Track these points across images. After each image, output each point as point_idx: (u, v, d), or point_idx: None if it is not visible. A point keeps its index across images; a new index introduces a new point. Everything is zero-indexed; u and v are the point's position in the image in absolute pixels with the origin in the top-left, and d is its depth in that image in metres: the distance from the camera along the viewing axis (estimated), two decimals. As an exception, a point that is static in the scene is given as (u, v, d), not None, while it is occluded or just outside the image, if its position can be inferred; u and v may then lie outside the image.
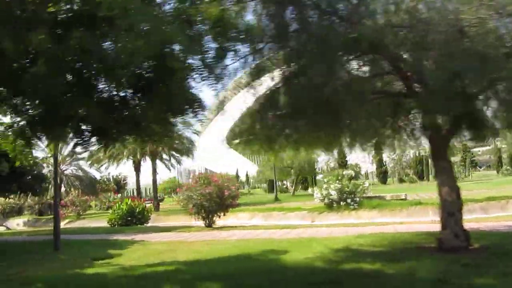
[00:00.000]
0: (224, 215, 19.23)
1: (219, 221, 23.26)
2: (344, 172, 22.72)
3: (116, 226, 22.85)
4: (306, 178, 42.49)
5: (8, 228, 36.18)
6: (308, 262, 8.36)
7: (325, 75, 7.15)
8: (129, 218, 22.79)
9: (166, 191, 59.22)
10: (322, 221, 20.84)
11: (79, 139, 7.46)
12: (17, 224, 37.61)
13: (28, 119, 6.99)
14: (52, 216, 37.82)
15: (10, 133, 8.20)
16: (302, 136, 8.96)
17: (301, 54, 6.79)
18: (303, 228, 17.08)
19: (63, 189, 36.29)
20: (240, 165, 69.10)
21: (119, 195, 47.09)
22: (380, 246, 9.64)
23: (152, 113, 6.77)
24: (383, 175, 44.89)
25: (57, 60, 4.52)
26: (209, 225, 18.97)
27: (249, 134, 8.27)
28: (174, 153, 35.04)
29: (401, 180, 44.95)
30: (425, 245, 9.22)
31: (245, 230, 17.52)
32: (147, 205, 24.97)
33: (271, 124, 7.97)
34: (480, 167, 64.02)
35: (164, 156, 34.95)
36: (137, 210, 22.99)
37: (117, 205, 23.67)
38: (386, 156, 46.97)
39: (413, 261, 7.66)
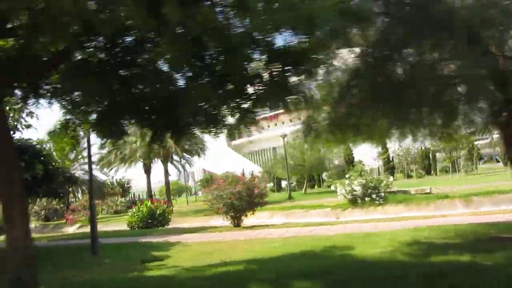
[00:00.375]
0: (252, 213, 18.90)
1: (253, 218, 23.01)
2: (366, 167, 22.46)
3: (136, 228, 22.42)
4: (313, 176, 42.21)
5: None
6: (387, 257, 8.08)
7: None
8: (150, 221, 22.36)
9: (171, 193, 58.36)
10: (348, 218, 20.62)
11: (155, 134, 7.11)
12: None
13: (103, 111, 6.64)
14: (60, 221, 37.32)
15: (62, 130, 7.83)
16: (370, 125, 8.65)
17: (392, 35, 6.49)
18: (341, 224, 16.88)
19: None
20: (239, 165, 68.58)
21: (123, 198, 46.54)
22: (450, 238, 9.38)
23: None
24: (390, 171, 44.78)
25: (184, 37, 4.16)
26: (238, 224, 18.63)
27: (326, 124, 7.93)
28: (184, 154, 34.58)
29: (408, 176, 44.93)
30: (498, 235, 8.98)
31: (279, 228, 17.22)
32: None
33: (349, 113, 7.67)
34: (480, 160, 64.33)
35: (175, 157, 34.48)
36: (158, 212, 22.54)
37: (137, 207, 23.22)
38: (391, 151, 47.02)
39: (502, 251, 7.40)
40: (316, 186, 48.24)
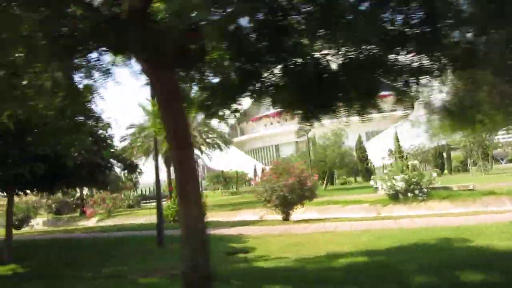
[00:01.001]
0: (302, 207, 18.40)
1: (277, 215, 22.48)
2: (409, 163, 22.12)
3: (172, 222, 21.76)
4: (332, 173, 41.70)
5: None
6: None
7: None
8: (185, 214, 21.67)
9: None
10: (390, 213, 20.24)
11: (309, 114, 6.52)
12: (36, 223, 35.86)
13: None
14: (73, 214, 36.37)
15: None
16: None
17: None
18: (392, 219, 16.51)
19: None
20: (242, 163, 68.01)
21: (135, 192, 45.70)
22: None
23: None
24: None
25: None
26: (286, 218, 18.11)
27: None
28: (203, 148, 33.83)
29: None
30: None
31: (333, 222, 16.79)
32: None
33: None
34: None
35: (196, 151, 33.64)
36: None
37: (172, 200, 22.55)
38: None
39: None
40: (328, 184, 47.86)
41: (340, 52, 5.32)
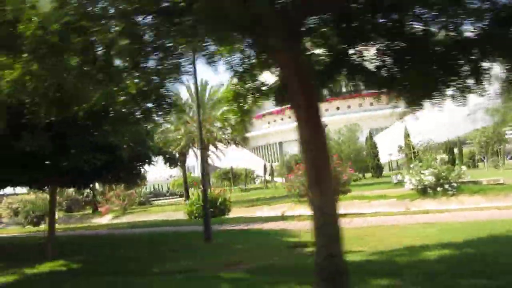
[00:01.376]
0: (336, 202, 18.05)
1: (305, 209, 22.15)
2: (438, 157, 21.87)
3: (196, 218, 21.38)
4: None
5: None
6: None
7: None
8: (211, 209, 21.29)
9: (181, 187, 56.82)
10: (419, 208, 19.98)
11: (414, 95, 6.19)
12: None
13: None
14: (86, 212, 35.83)
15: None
16: None
17: None
18: (427, 214, 16.26)
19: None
20: (246, 160, 67.41)
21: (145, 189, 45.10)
22: None
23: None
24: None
25: None
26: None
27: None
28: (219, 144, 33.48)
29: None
30: None
31: (371, 217, 16.51)
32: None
33: None
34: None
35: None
36: (220, 200, 21.55)
37: (196, 196, 22.22)
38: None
39: None
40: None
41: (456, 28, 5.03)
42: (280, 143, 79.99)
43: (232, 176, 47.71)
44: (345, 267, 4.87)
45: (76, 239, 15.66)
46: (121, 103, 7.29)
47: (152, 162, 13.29)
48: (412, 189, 24.08)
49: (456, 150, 47.81)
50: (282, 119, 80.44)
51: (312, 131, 4.96)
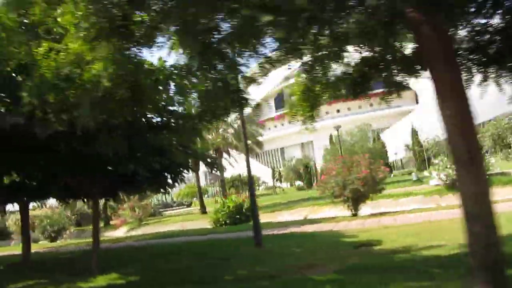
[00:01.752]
0: (371, 201, 17.65)
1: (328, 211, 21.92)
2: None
3: (223, 225, 20.83)
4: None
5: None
6: None
7: None
8: (237, 216, 20.79)
9: (189, 195, 56.03)
10: (450, 203, 19.57)
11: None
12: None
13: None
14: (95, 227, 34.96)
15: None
16: None
17: None
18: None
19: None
20: (243, 166, 66.51)
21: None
22: None
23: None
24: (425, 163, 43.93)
25: None
26: (355, 213, 17.34)
27: None
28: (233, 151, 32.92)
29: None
30: None
31: (411, 214, 16.05)
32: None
33: None
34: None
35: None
36: (245, 206, 20.99)
37: (221, 203, 21.71)
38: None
39: None
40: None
41: None
42: (282, 149, 79.51)
43: (241, 183, 47.07)
44: (504, 256, 4.41)
45: (112, 252, 15.03)
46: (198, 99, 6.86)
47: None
48: (437, 185, 23.73)
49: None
50: (282, 125, 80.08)
51: (457, 103, 4.49)
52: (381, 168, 17.01)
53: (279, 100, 67.77)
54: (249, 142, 31.71)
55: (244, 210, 20.90)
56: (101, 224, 34.37)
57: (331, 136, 48.01)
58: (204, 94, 6.71)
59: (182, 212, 41.42)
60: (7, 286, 10.22)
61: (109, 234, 30.43)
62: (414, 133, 45.34)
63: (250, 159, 12.53)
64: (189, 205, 49.90)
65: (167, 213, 41.38)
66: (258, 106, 7.99)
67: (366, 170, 16.22)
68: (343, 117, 66.39)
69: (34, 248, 21.99)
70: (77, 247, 20.21)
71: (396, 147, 49.61)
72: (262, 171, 61.19)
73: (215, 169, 13.27)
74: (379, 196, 24.44)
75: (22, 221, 14.73)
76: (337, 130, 32.40)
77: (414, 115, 62.36)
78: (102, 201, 40.80)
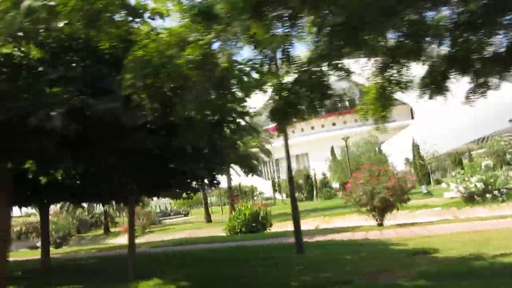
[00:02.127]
0: (397, 210, 17.36)
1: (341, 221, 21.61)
2: (482, 163, 21.50)
3: (239, 233, 20.31)
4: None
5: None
6: None
7: None
8: (254, 224, 20.31)
9: (185, 205, 55.10)
10: (469, 215, 19.40)
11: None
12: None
13: None
14: (96, 233, 34.05)
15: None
16: None
17: None
18: (504, 218, 15.60)
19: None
20: (247, 178, 66.14)
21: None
22: None
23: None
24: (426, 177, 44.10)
25: None
26: (381, 223, 17.03)
27: None
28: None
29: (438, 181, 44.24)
30: None
31: (436, 225, 15.76)
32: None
33: None
34: None
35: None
36: (261, 214, 20.54)
37: (238, 211, 21.22)
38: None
39: None
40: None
41: None
42: (277, 160, 79.30)
43: (241, 193, 46.64)
44: None
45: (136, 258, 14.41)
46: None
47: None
48: (452, 197, 23.64)
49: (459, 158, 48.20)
50: (278, 136, 79.85)
51: None
52: (409, 178, 16.74)
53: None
54: (256, 150, 31.51)
55: (260, 218, 20.43)
56: (101, 231, 33.59)
57: (332, 148, 48.11)
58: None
59: (180, 221, 40.79)
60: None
61: (110, 242, 29.60)
62: (416, 147, 45.45)
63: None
64: (186, 214, 49.11)
65: (166, 221, 40.63)
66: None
67: (394, 179, 15.95)
68: (340, 131, 66.89)
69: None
70: (86, 253, 19.51)
71: (394, 160, 49.77)
72: (258, 182, 60.73)
73: (251, 173, 12.82)
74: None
75: (41, 224, 14.10)
76: (345, 141, 32.19)
77: (409, 129, 63.16)
78: (98, 208, 39.86)
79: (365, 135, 38.75)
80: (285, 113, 6.79)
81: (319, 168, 46.48)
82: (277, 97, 6.56)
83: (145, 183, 9.36)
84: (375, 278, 7.49)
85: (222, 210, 42.99)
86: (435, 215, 20.96)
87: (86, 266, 13.81)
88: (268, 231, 20.72)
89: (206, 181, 11.39)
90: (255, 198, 64.20)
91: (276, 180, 56.77)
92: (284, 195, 57.67)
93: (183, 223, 37.57)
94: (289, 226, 23.90)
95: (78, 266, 13.98)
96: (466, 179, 21.09)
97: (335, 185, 49.20)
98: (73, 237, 28.11)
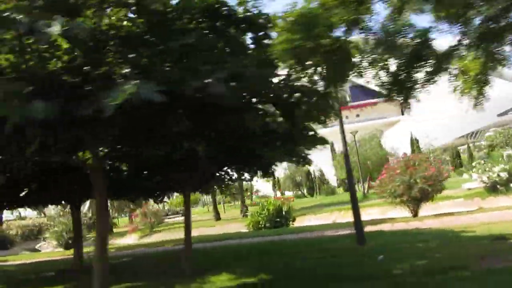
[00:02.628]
0: (431, 201, 17.06)
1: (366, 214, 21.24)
2: (505, 153, 21.45)
3: (262, 229, 19.77)
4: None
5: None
6: None
7: None
8: (278, 219, 19.81)
9: (182, 204, 54.03)
10: (494, 205, 19.29)
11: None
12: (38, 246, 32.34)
13: None
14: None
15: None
16: None
17: None
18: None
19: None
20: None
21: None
22: None
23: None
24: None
25: None
26: (416, 214, 16.72)
27: None
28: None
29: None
30: None
31: (475, 214, 15.57)
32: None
33: None
34: None
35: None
36: (285, 209, 20.04)
37: (261, 206, 20.70)
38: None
39: None
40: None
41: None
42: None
43: (242, 191, 46.01)
44: None
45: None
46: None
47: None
48: (469, 188, 23.57)
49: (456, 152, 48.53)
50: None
51: None
52: (446, 168, 16.47)
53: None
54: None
55: (284, 213, 19.94)
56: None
57: (332, 144, 47.76)
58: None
59: (181, 221, 39.89)
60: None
61: (117, 242, 28.64)
62: (415, 141, 45.60)
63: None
64: (183, 214, 48.16)
65: (168, 221, 39.75)
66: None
67: (434, 168, 15.64)
68: (335, 127, 66.63)
69: (56, 256, 20.22)
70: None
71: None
72: (254, 179, 60.03)
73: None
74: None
75: (74, 223, 13.30)
76: (354, 136, 31.87)
77: (400, 125, 63.44)
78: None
79: (368, 130, 38.86)
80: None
81: (320, 164, 46.23)
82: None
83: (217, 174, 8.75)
84: (489, 263, 7.07)
85: (224, 209, 42.39)
86: (460, 206, 20.80)
87: (126, 265, 13.08)
88: (292, 225, 20.28)
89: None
90: (253, 196, 63.67)
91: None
92: (285, 192, 57.33)
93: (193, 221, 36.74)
94: (307, 221, 23.59)
95: (116, 265, 13.21)
96: (488, 169, 21.00)
97: (333, 181, 49.14)
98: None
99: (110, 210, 37.93)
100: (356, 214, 11.15)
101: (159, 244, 20.39)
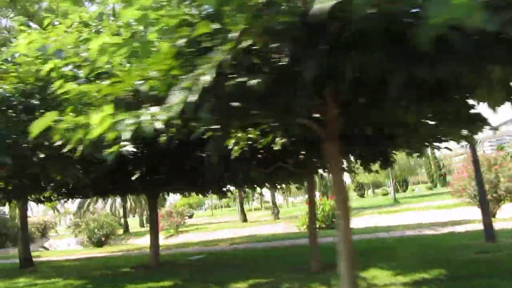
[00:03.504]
0: (504, 203, 16.19)
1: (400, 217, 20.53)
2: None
3: (317, 229, 18.67)
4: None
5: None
6: None
7: None
8: (334, 220, 18.80)
9: (185, 206, 52.41)
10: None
11: None
12: (68, 244, 30.58)
13: None
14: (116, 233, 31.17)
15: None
16: None
17: None
18: None
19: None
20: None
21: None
22: None
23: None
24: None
25: None
26: (494, 215, 15.83)
27: None
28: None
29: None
30: None
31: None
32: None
33: None
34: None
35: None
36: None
37: (325, 204, 19.88)
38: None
39: None
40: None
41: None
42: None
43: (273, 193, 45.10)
44: None
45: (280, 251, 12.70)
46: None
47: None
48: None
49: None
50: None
51: None
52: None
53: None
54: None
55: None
56: (120, 231, 30.93)
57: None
58: None
59: (199, 222, 39.13)
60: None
61: (134, 242, 27.15)
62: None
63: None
64: (190, 216, 46.81)
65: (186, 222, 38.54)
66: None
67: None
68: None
69: (93, 252, 18.70)
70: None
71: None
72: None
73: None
74: (432, 207, 23.38)
75: (151, 218, 12.01)
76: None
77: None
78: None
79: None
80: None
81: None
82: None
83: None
84: None
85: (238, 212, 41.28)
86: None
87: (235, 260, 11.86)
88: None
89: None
90: (253, 200, 62.49)
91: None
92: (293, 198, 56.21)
93: (209, 223, 35.85)
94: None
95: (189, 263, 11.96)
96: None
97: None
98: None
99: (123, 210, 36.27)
100: (485, 212, 10.25)
101: (219, 242, 19.15)
